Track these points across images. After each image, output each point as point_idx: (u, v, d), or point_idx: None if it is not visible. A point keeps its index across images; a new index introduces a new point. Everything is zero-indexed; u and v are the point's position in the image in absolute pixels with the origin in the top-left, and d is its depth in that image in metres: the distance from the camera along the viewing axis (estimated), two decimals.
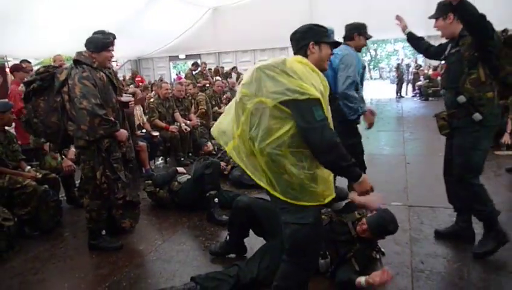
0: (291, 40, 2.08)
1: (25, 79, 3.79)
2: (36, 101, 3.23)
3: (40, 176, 3.93)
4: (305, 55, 1.98)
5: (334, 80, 3.63)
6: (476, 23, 2.50)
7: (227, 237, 3.08)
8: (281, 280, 2.07)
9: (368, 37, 3.82)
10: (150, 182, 4.33)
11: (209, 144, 6.03)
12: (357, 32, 3.75)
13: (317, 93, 1.80)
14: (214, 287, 2.52)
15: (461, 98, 2.77)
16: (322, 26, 2.06)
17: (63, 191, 4.44)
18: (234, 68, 13.34)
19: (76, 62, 3.16)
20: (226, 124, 2.09)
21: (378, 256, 2.82)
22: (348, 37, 3.78)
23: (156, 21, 12.61)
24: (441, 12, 2.85)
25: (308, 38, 2.00)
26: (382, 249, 2.83)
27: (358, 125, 3.93)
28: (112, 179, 3.23)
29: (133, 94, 5.74)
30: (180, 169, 4.53)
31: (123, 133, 3.28)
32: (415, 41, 3.42)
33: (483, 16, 2.47)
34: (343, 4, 12.27)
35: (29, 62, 6.05)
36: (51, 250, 3.44)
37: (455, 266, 2.78)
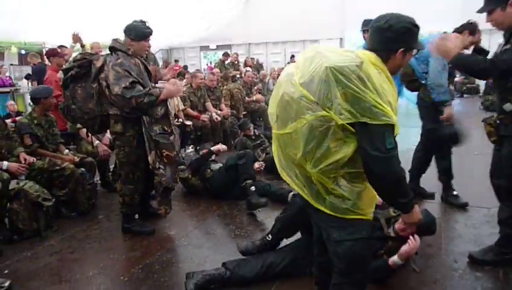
0: (377, 29, 1.63)
1: (63, 66, 3.91)
2: (74, 88, 3.32)
3: (77, 159, 4.07)
4: (385, 58, 1.61)
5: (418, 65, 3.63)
6: None
7: (269, 237, 2.88)
8: None
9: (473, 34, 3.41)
10: (183, 167, 4.39)
11: (251, 128, 5.91)
12: (468, 30, 3.42)
13: (394, 117, 1.49)
14: (242, 274, 2.56)
15: (508, 106, 2.47)
16: (418, 27, 1.65)
17: (98, 175, 4.58)
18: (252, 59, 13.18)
19: (112, 49, 3.24)
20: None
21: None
22: (458, 31, 3.48)
23: (188, 11, 12.71)
24: (496, 2, 2.47)
25: (402, 43, 1.61)
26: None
27: None
28: (159, 165, 3.26)
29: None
30: (215, 148, 4.52)
31: (169, 89, 3.17)
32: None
33: None
34: None
35: (66, 47, 6.20)
36: (87, 231, 3.57)
37: (490, 267, 2.71)
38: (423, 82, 3.67)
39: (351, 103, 1.47)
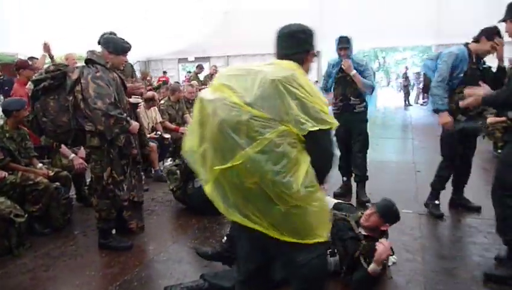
0: (290, 34, 1.69)
1: (33, 77, 3.79)
2: (46, 100, 3.19)
3: (52, 173, 3.95)
4: (302, 61, 1.66)
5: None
6: None
7: (225, 239, 2.98)
8: None
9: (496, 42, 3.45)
10: (176, 175, 4.32)
11: None
12: (484, 36, 3.50)
13: (334, 119, 1.55)
14: (221, 284, 2.54)
15: (511, 114, 2.67)
16: None
17: (73, 189, 4.46)
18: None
19: (89, 61, 3.16)
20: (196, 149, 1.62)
21: (388, 262, 2.81)
22: (476, 39, 3.59)
23: (166, 22, 12.68)
24: (508, 15, 2.66)
25: (312, 45, 1.72)
26: (393, 253, 2.82)
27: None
28: (117, 180, 3.25)
29: (152, 98, 5.80)
30: None
31: (135, 125, 3.28)
32: None
33: None
34: (354, 11, 12.29)
35: (37, 59, 6.03)
36: (62, 248, 3.45)
37: (467, 275, 2.76)
38: None
39: (303, 111, 1.47)
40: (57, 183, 3.89)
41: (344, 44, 4.09)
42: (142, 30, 11.56)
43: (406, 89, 15.78)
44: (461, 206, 3.98)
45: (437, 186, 3.92)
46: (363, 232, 2.75)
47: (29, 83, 3.66)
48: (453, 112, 3.58)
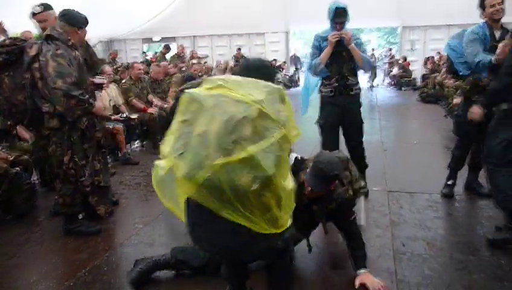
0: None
1: None
2: (0, 76, 2.98)
3: (11, 158, 3.75)
4: None
5: None
6: None
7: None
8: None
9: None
10: None
11: None
12: (480, 7, 3.34)
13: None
14: (187, 260, 2.51)
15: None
16: None
17: (36, 174, 4.28)
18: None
19: (49, 37, 2.96)
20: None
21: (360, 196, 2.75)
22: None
23: (129, 0, 12.20)
24: None
25: None
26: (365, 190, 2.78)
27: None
28: (79, 165, 3.12)
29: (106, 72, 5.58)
30: None
31: (99, 107, 3.17)
32: None
33: None
34: None
35: None
36: (26, 234, 3.31)
37: (435, 248, 2.86)
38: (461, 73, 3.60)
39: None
40: (17, 168, 3.70)
41: (341, 18, 3.51)
42: (103, 8, 11.07)
43: (374, 70, 15.98)
44: (472, 190, 3.85)
45: (450, 165, 3.86)
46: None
47: None
48: (468, 93, 3.56)
